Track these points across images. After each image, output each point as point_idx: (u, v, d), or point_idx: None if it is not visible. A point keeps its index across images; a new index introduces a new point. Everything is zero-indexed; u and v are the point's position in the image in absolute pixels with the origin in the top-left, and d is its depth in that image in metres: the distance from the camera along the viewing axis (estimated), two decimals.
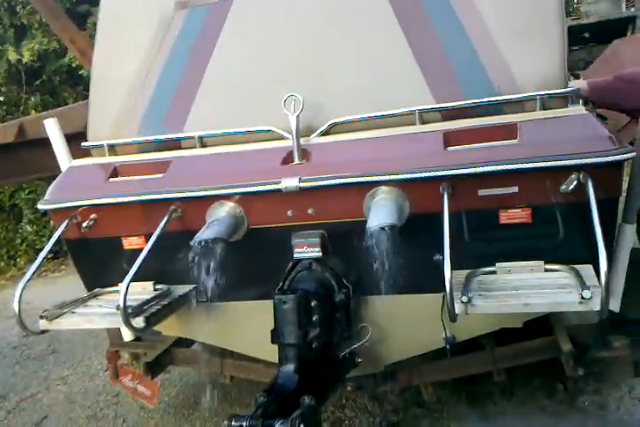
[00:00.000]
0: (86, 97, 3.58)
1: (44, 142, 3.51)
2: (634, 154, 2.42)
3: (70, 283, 6.10)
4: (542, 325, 3.15)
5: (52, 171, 3.49)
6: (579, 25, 11.76)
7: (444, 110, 2.81)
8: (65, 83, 10.70)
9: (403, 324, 2.94)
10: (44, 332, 2.89)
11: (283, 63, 3.13)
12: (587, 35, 11.94)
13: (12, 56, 9.88)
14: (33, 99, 10.38)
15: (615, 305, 2.74)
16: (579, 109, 2.65)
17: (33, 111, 10.09)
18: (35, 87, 10.53)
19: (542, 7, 2.82)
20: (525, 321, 2.81)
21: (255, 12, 3.28)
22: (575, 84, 2.82)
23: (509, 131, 2.60)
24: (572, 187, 2.42)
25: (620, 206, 2.70)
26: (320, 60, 3.08)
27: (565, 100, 2.70)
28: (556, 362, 3.13)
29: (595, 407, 3.67)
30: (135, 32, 3.45)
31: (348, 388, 3.24)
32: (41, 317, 2.81)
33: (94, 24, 3.75)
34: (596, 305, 2.22)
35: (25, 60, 9.87)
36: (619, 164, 2.42)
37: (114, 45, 3.50)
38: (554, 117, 2.62)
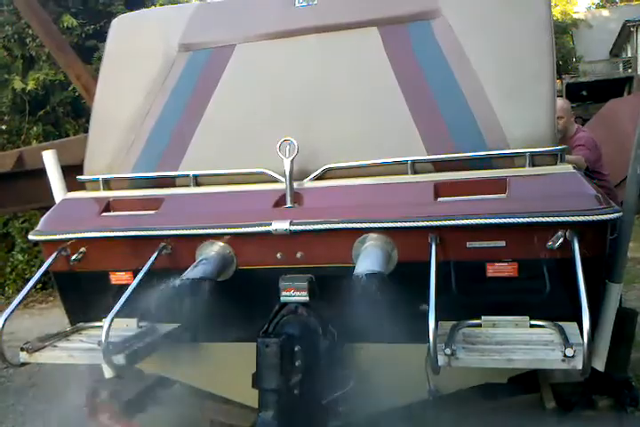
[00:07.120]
0: (88, 129, 3.63)
1: (42, 173, 3.53)
2: (620, 214, 2.46)
3: (57, 315, 6.01)
4: (531, 380, 3.12)
5: (49, 201, 3.50)
6: (577, 83, 12.03)
7: (435, 162, 2.85)
8: (68, 114, 10.81)
9: (387, 373, 2.90)
10: (23, 364, 2.84)
11: (280, 108, 3.19)
12: (584, 93, 12.21)
13: (18, 85, 10.02)
14: (35, 128, 10.46)
15: (600, 364, 2.72)
16: (567, 168, 2.69)
17: (34, 141, 10.16)
18: (38, 117, 10.64)
19: (534, 68, 2.89)
20: (514, 376, 2.78)
21: (256, 57, 3.36)
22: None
23: (499, 185, 2.64)
24: (558, 243, 2.44)
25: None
26: (317, 106, 3.14)
27: (554, 157, 2.75)
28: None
29: None
30: (138, 71, 3.51)
31: None
32: (22, 349, 2.77)
33: (100, 58, 3.80)
34: (578, 364, 2.21)
35: (28, 89, 9.99)
36: (604, 223, 2.45)
37: (116, 83, 3.56)
38: (542, 174, 2.67)
